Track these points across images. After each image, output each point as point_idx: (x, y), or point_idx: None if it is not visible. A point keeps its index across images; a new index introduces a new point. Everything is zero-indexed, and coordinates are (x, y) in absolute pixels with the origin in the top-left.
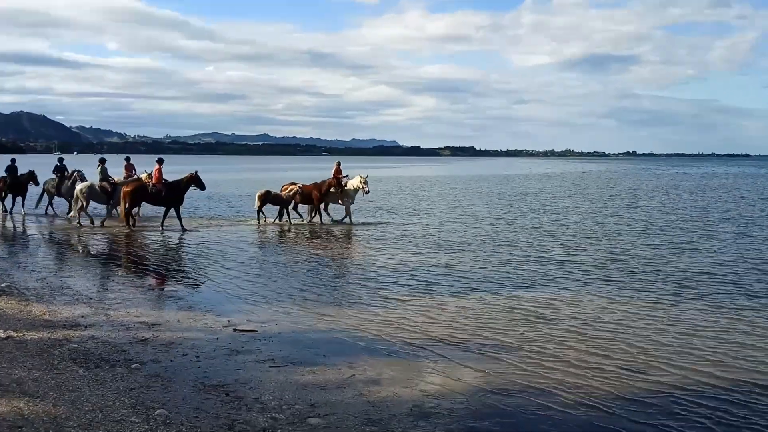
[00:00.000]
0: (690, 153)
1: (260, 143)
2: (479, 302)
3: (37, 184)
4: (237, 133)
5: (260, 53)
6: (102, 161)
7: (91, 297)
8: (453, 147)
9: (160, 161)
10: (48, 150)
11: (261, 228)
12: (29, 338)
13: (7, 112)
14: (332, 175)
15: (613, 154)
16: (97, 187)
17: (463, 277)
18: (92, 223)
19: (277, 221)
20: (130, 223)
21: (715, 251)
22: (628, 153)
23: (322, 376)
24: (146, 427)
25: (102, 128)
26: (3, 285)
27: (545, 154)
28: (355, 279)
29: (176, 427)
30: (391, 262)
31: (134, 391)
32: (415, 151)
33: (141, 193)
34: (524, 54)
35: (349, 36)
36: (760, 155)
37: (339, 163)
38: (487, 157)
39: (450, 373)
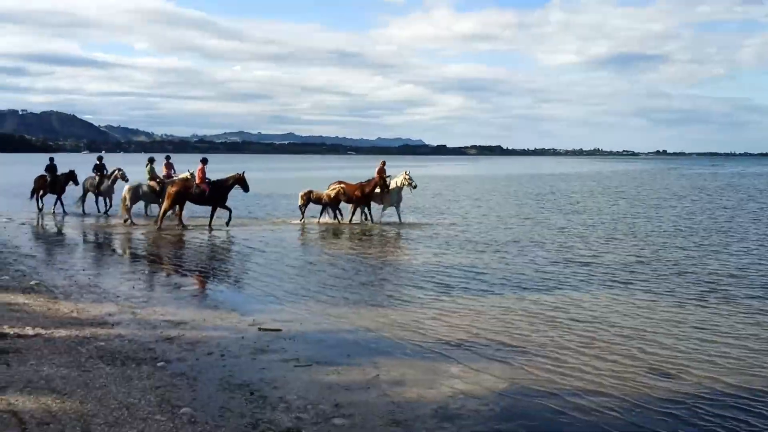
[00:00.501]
0: (721, 152)
1: (286, 142)
2: (503, 304)
3: (77, 183)
4: (263, 132)
5: (286, 53)
6: (151, 160)
7: (119, 295)
8: (479, 146)
9: (203, 161)
10: (76, 149)
11: (302, 227)
12: (57, 336)
13: (37, 111)
14: (376, 174)
15: (643, 153)
16: (145, 187)
17: (488, 279)
18: (132, 223)
19: (320, 220)
20: (178, 224)
21: (745, 253)
22: (658, 152)
23: (347, 376)
24: (171, 425)
25: (130, 127)
26: (32, 282)
27: (573, 153)
28: (379, 279)
29: (201, 425)
30: (416, 263)
31: (160, 389)
32: (441, 150)
33: (185, 193)
34: (550, 53)
35: (375, 35)
36: None
37: (384, 162)
38: (514, 156)
39: (474, 375)
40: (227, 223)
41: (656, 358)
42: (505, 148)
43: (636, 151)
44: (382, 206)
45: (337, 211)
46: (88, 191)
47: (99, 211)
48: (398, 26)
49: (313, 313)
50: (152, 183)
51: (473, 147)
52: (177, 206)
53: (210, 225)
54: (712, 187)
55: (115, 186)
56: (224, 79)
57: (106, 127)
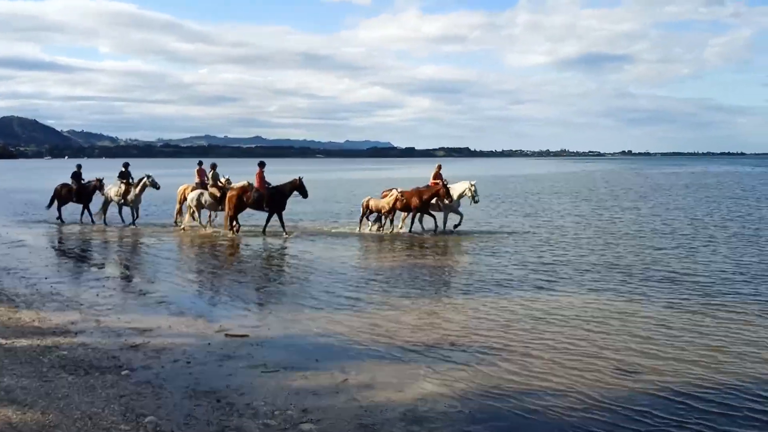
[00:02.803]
0: (686, 152)
1: (253, 145)
2: (474, 305)
3: (103, 192)
4: (230, 135)
5: (255, 55)
6: (213, 166)
7: (82, 303)
8: (448, 148)
9: (261, 164)
10: (38, 154)
11: (358, 235)
12: (18, 345)
13: None
14: (432, 180)
15: (609, 153)
16: (207, 195)
17: (458, 280)
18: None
19: (373, 229)
20: (234, 229)
21: (712, 253)
22: (623, 152)
23: (315, 381)
24: None
25: (93, 132)
26: None
27: (541, 154)
28: (347, 283)
29: None
30: (383, 267)
31: (124, 398)
32: (410, 153)
33: (244, 198)
34: (520, 54)
35: (344, 37)
36: (756, 153)
37: (440, 167)
38: (482, 158)
39: (444, 376)
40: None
41: (621, 358)
42: (473, 149)
43: (602, 152)
44: (443, 214)
45: (388, 220)
46: (111, 201)
47: (123, 221)
48: (367, 28)
49: (281, 318)
50: (213, 189)
51: (442, 149)
52: (231, 210)
53: (264, 230)
54: (679, 185)
55: (143, 195)
56: (191, 82)
57: (68, 132)
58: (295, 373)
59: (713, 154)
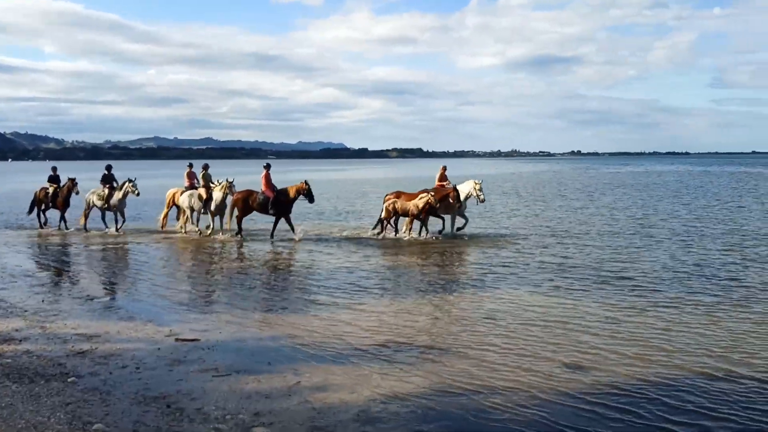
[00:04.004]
0: (633, 152)
1: (204, 147)
2: (427, 305)
3: (77, 192)
4: (180, 137)
5: (205, 56)
6: (205, 167)
7: (27, 309)
8: (400, 149)
9: (267, 166)
10: None
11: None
12: None
13: None
14: (437, 182)
15: (559, 153)
16: (195, 197)
17: (411, 280)
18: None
19: (398, 234)
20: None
21: (663, 252)
22: (573, 152)
23: (267, 384)
24: None
25: (38, 134)
26: None
27: (492, 155)
28: (299, 286)
29: None
30: (334, 268)
31: (71, 405)
32: (363, 154)
33: (249, 201)
34: (471, 55)
35: (295, 38)
36: (699, 153)
37: (445, 168)
38: (434, 159)
39: (397, 376)
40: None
41: (568, 355)
42: (426, 150)
43: (552, 152)
44: (450, 216)
45: (389, 225)
46: (93, 206)
47: (106, 227)
48: (318, 29)
49: (233, 321)
50: (201, 190)
51: (394, 150)
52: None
53: (272, 235)
54: (633, 184)
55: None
56: (139, 83)
57: (12, 134)
58: (247, 377)
59: (659, 153)
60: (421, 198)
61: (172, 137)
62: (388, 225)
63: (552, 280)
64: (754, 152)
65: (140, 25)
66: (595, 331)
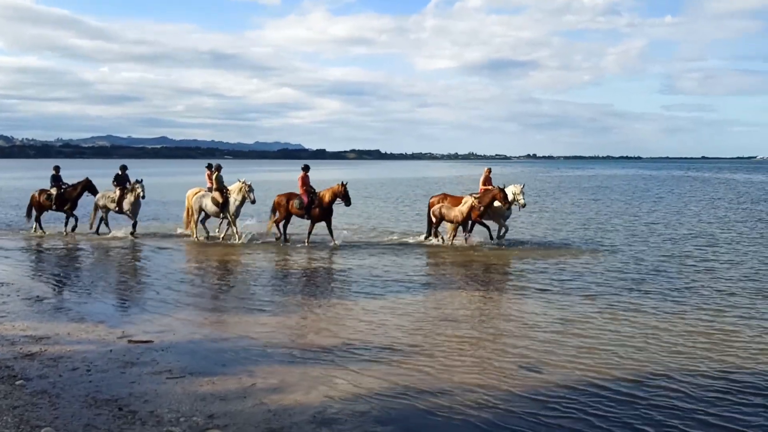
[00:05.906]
0: (587, 155)
1: (159, 146)
2: (378, 307)
3: (95, 193)
4: (134, 135)
5: (159, 54)
6: (218, 168)
7: None
8: (359, 150)
9: (306, 168)
10: None
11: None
12: None
13: None
14: (481, 186)
15: (515, 156)
16: (208, 199)
17: (370, 280)
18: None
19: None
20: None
21: (621, 252)
22: (528, 156)
23: (222, 386)
24: None
25: None
26: None
27: (449, 157)
28: (253, 286)
29: None
30: (289, 268)
31: (18, 409)
32: (321, 155)
33: (289, 206)
34: (428, 58)
35: (251, 37)
36: (651, 157)
37: (489, 170)
38: (393, 160)
39: (352, 378)
40: (286, 239)
41: (524, 355)
42: (384, 152)
43: (508, 155)
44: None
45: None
46: (104, 209)
47: (109, 230)
48: (274, 28)
49: (187, 323)
50: (216, 194)
51: (353, 151)
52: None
53: (308, 239)
54: (589, 187)
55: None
56: (91, 80)
57: None
58: (201, 379)
59: (612, 157)
60: (465, 203)
61: (125, 136)
62: (436, 230)
63: (506, 280)
64: (704, 157)
65: (91, 20)
66: (551, 330)
